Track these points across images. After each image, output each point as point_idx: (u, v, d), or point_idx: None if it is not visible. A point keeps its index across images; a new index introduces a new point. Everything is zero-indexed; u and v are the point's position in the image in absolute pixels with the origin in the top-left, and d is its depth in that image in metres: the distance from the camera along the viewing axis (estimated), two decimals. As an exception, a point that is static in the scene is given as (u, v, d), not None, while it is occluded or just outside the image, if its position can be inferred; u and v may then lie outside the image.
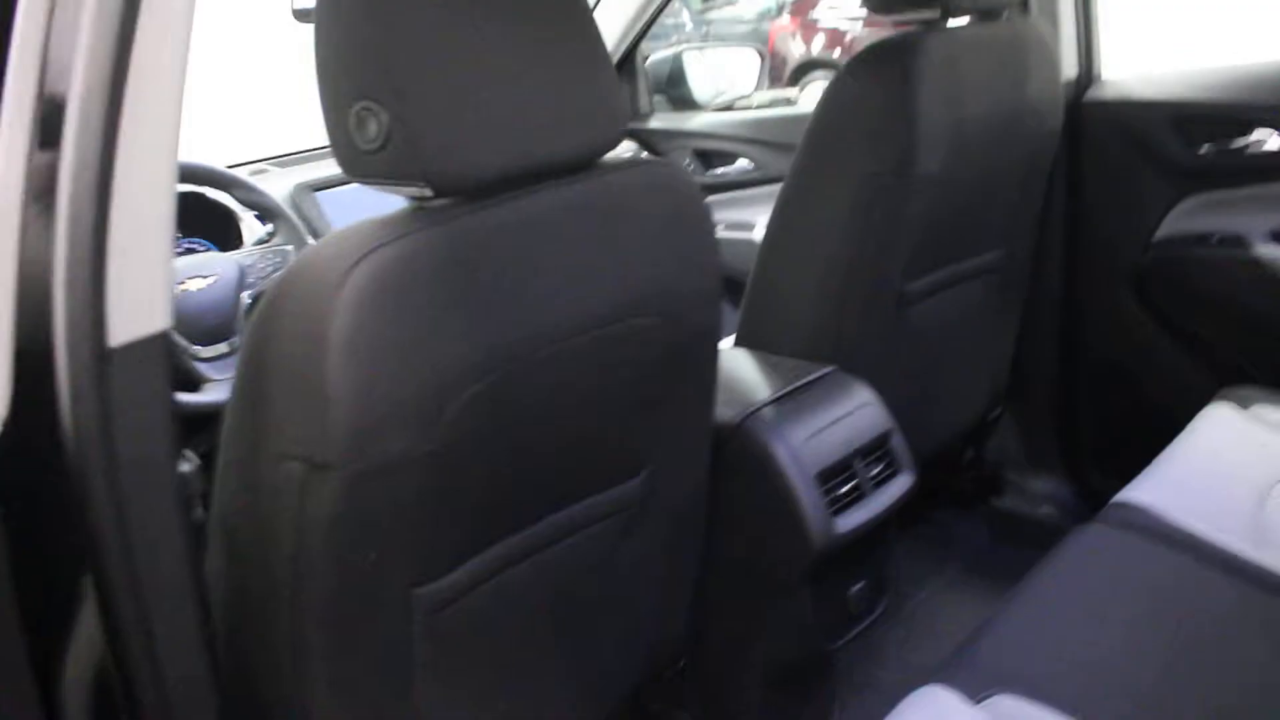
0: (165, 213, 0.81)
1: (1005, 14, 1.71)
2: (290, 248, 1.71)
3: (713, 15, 10.47)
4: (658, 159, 1.52)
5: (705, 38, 8.59)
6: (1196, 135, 1.84)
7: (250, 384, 0.93)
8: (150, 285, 0.80)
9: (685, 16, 9.79)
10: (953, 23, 1.64)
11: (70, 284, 0.77)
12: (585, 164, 1.04)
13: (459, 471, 0.98)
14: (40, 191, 0.78)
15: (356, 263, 0.86)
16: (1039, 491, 2.12)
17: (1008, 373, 1.99)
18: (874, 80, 1.56)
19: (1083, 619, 1.24)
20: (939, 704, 1.09)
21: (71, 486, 0.81)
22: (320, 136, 1.01)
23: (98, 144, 0.76)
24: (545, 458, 1.09)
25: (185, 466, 0.92)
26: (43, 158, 0.77)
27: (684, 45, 2.79)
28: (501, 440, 1.01)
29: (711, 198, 2.45)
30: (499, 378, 0.96)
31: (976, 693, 1.10)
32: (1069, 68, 1.92)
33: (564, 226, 1.02)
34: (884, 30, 2.07)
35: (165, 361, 0.82)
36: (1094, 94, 1.93)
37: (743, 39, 9.01)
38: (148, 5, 0.76)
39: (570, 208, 1.02)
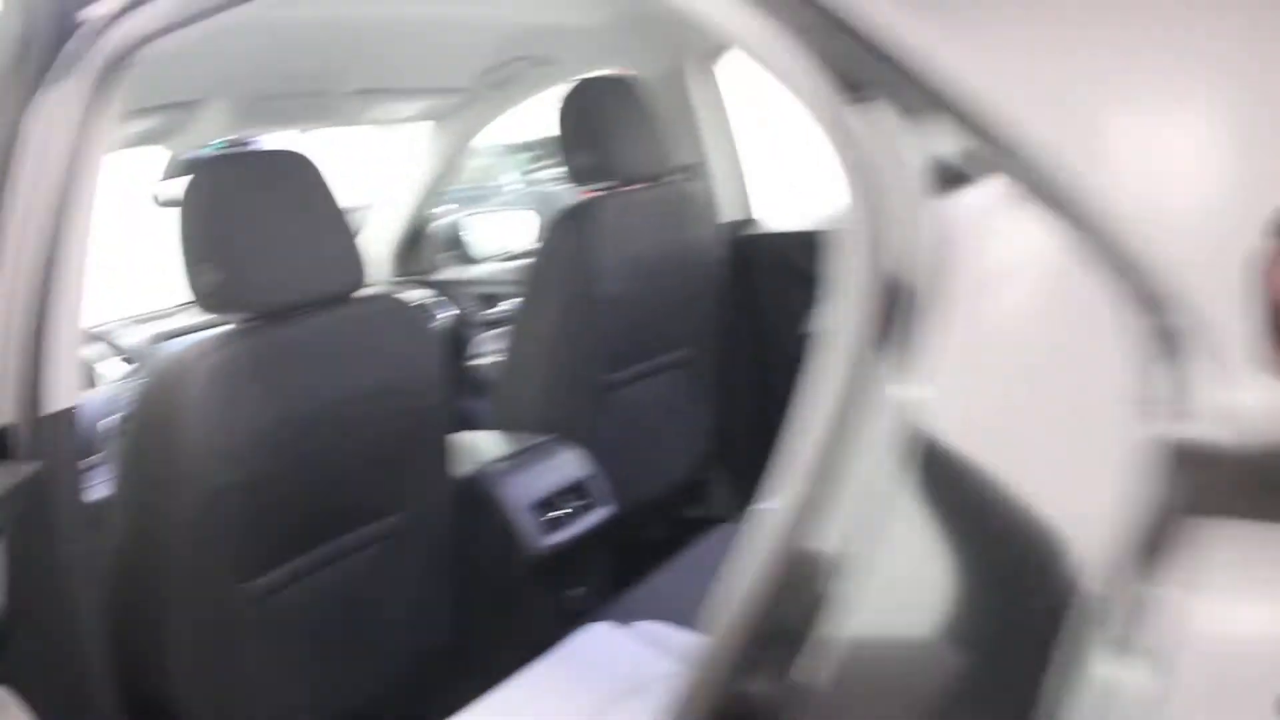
0: (75, 344, 1.37)
1: (669, 179, 2.37)
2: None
3: (540, 175, 11.24)
4: (394, 294, 2.00)
5: (533, 196, 9.24)
6: (818, 250, 2.50)
7: (132, 442, 1.48)
8: (66, 378, 1.35)
9: (514, 175, 10.51)
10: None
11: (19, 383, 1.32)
12: (344, 296, 1.62)
13: (267, 497, 1.52)
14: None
15: (200, 358, 1.43)
16: None
17: (708, 442, 2.59)
18: (564, 232, 2.19)
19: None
20: (596, 632, 1.65)
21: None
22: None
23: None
24: (328, 493, 1.63)
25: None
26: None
27: (464, 212, 3.39)
28: (295, 477, 1.56)
29: (492, 332, 3.05)
30: (291, 434, 1.52)
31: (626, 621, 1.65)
32: (733, 213, 2.60)
33: (334, 336, 1.60)
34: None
35: (74, 426, 1.37)
36: (749, 230, 2.61)
37: (569, 192, 9.75)
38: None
39: (337, 324, 1.60)
